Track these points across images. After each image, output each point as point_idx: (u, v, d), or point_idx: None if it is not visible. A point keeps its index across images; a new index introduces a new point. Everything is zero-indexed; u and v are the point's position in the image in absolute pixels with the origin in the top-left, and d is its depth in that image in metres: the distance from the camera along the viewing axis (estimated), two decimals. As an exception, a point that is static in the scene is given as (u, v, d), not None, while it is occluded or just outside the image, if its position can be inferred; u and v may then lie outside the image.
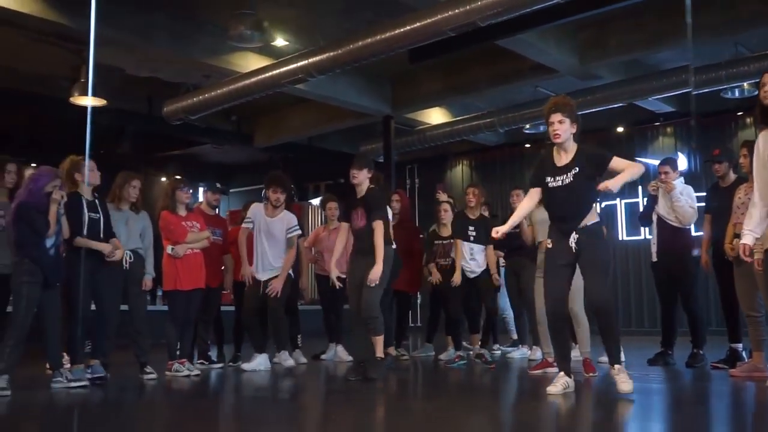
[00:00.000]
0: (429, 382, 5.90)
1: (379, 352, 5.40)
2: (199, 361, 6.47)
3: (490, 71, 9.92)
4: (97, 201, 5.37)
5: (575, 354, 6.49)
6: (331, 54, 7.72)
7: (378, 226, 5.38)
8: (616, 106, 10.02)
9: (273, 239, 6.20)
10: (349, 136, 12.95)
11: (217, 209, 6.89)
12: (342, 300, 6.93)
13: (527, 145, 12.78)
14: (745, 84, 9.18)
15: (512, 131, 12.15)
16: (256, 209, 6.30)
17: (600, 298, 4.28)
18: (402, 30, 7.05)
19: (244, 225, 6.30)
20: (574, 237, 4.31)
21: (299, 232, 6.36)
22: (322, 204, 7.90)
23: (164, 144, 12.45)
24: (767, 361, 5.26)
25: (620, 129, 11.64)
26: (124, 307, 5.74)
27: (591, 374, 5.39)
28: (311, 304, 11.11)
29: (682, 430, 3.67)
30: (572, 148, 4.40)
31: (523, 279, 6.81)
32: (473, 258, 6.68)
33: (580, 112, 10.66)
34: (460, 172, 13.80)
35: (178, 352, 5.87)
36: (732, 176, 5.72)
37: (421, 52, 8.27)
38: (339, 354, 7.31)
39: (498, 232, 4.59)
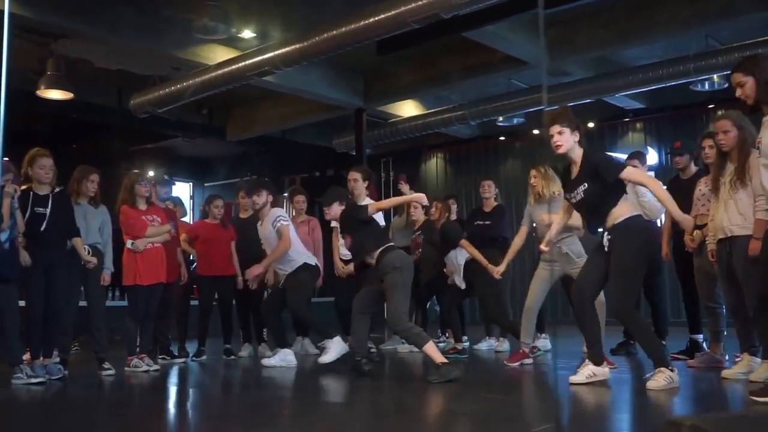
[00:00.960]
0: (409, 376, 5.81)
1: (438, 358, 4.83)
2: (161, 356, 6.43)
3: (462, 63, 9.85)
4: (51, 196, 5.24)
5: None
6: (297, 46, 7.66)
7: None
8: (585, 102, 10.05)
9: (270, 243, 6.00)
10: (322, 128, 12.89)
11: (166, 202, 6.76)
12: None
13: (501, 138, 12.80)
14: (714, 76, 9.20)
15: (486, 124, 12.13)
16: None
17: (615, 305, 4.27)
18: (367, 22, 7.01)
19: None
20: (606, 236, 4.30)
21: (286, 222, 6.00)
22: (290, 196, 7.86)
23: (136, 138, 12.31)
24: (725, 351, 5.31)
25: (591, 124, 11.66)
26: (83, 303, 5.69)
27: None
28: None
29: (633, 417, 3.69)
30: (579, 156, 4.39)
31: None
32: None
33: (549, 108, 10.74)
34: (434, 165, 13.81)
35: (138, 348, 5.81)
36: (693, 168, 5.75)
37: (389, 44, 8.23)
38: (306, 347, 7.28)
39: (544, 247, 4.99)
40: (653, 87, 9.31)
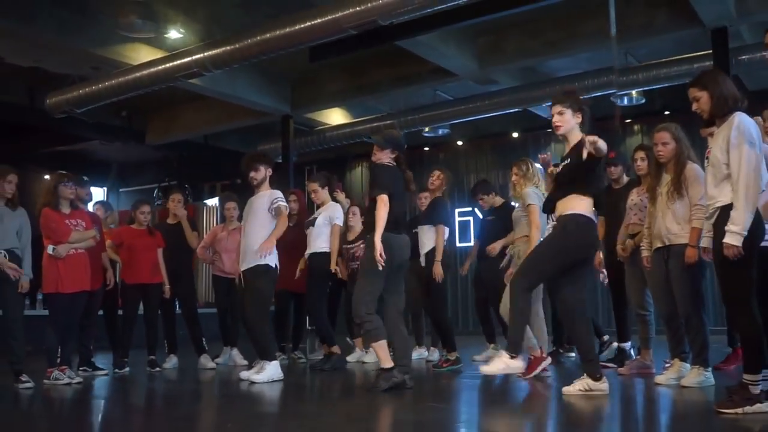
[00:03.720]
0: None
1: (384, 362, 4.63)
2: (81, 368, 6.09)
3: (391, 73, 9.90)
4: None
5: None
6: (228, 48, 7.48)
7: (379, 200, 4.63)
8: (511, 111, 10.23)
9: (254, 216, 5.42)
10: (246, 135, 12.64)
11: (87, 204, 6.40)
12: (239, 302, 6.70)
13: (426, 149, 12.89)
14: (633, 92, 9.54)
15: (411, 134, 12.17)
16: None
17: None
18: (302, 26, 6.91)
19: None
20: (552, 221, 4.34)
21: (285, 204, 5.52)
22: (221, 203, 7.64)
23: (47, 139, 11.71)
24: (654, 358, 5.45)
25: (515, 134, 11.90)
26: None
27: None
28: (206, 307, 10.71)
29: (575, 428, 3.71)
30: (576, 138, 4.30)
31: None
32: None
33: (477, 117, 10.78)
34: (359, 174, 13.76)
35: (59, 359, 5.46)
36: (625, 179, 5.90)
37: (321, 50, 8.14)
38: (234, 358, 7.08)
39: None
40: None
